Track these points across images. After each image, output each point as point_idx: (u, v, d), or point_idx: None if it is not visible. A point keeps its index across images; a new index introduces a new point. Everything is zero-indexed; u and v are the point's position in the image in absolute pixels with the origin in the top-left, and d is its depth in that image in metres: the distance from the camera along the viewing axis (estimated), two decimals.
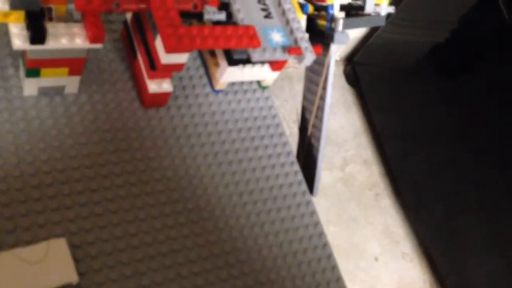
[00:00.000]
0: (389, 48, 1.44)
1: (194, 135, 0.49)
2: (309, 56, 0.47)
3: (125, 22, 0.50)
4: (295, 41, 0.48)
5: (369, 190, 1.44)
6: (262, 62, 0.52)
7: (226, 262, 0.45)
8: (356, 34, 1.53)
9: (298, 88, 1.50)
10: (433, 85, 1.34)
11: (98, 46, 0.42)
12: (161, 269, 0.42)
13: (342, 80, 1.57)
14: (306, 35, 0.48)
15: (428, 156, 1.37)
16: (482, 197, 1.22)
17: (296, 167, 0.52)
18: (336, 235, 1.39)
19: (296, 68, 1.51)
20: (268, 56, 0.47)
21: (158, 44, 0.44)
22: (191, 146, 0.48)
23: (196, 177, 0.47)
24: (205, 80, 0.53)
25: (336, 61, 1.60)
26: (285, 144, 0.53)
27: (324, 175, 1.41)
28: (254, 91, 0.54)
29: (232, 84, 0.54)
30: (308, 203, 0.51)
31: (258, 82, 0.55)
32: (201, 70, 0.53)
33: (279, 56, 0.48)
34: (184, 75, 0.52)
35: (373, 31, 1.51)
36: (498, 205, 1.18)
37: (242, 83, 0.54)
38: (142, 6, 0.44)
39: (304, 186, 0.51)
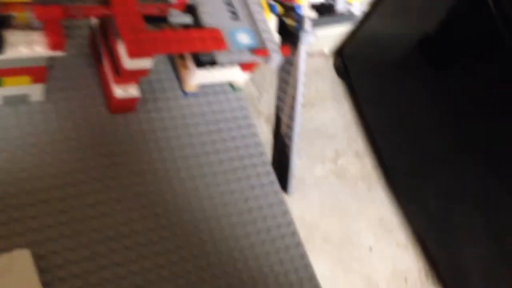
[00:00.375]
0: (378, 40, 1.43)
1: (164, 139, 0.48)
2: (276, 57, 0.46)
3: (91, 27, 0.49)
4: (262, 42, 0.47)
5: (362, 181, 1.43)
6: (233, 64, 0.51)
7: (196, 265, 0.44)
8: (344, 27, 1.51)
9: None
10: (423, 76, 1.32)
11: (59, 53, 0.41)
12: (128, 275, 0.42)
13: (332, 73, 1.56)
14: (274, 36, 0.47)
15: (420, 146, 1.35)
16: (474, 185, 1.21)
17: (268, 167, 0.51)
18: (330, 227, 1.38)
19: None
20: (234, 58, 0.46)
21: (121, 49, 0.43)
22: (160, 150, 0.48)
23: (165, 181, 0.46)
24: (175, 83, 0.52)
25: (326, 54, 1.58)
26: (257, 144, 0.52)
27: (316, 168, 1.40)
28: (226, 92, 0.53)
29: (204, 86, 0.53)
30: (281, 203, 0.50)
31: (230, 84, 0.54)
32: (171, 73, 0.52)
33: (245, 58, 0.47)
34: (154, 78, 0.51)
35: (361, 24, 1.49)
36: (491, 193, 1.17)
37: (213, 85, 0.53)
38: (105, 11, 0.43)
39: (276, 186, 0.50)
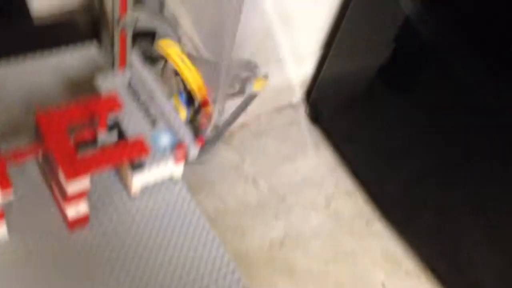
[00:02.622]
0: (339, 80, 1.51)
1: (119, 243, 0.56)
2: (193, 148, 0.55)
3: (39, 162, 0.59)
4: (180, 138, 0.56)
5: (359, 219, 1.48)
6: (166, 161, 0.60)
7: None
8: (306, 76, 1.61)
9: (266, 142, 1.57)
10: (390, 103, 1.39)
11: (10, 194, 0.50)
12: None
13: (306, 121, 1.65)
14: (189, 131, 0.56)
15: (405, 171, 1.40)
16: (469, 199, 1.24)
17: (222, 249, 0.58)
18: (338, 272, 1.42)
19: (258, 122, 1.59)
20: (159, 158, 0.55)
21: (61, 176, 0.52)
22: (117, 252, 0.56)
23: (127, 284, 0.54)
24: (122, 190, 0.61)
25: (295, 104, 1.68)
26: (208, 232, 0.59)
27: (311, 217, 1.46)
28: (168, 186, 0.62)
29: (147, 186, 0.62)
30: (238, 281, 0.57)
31: (170, 177, 0.63)
32: (117, 183, 0.61)
33: (168, 155, 0.56)
34: (103, 191, 0.60)
35: (319, 68, 1.59)
36: (487, 204, 1.19)
37: (155, 182, 0.62)
38: (42, 149, 0.53)
39: (237, 274, 0.57)
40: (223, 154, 1.47)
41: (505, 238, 1.19)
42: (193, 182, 1.34)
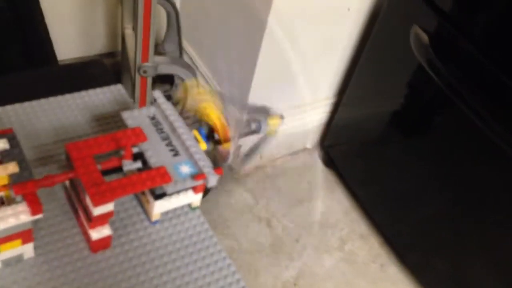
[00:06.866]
0: (352, 125, 1.56)
1: (139, 265, 0.60)
2: (212, 178, 0.60)
3: (66, 188, 0.64)
4: (200, 168, 0.61)
5: (373, 262, 1.50)
6: (186, 190, 0.64)
7: None
8: (318, 122, 1.66)
9: (280, 184, 1.62)
10: (403, 148, 1.43)
11: (40, 216, 0.54)
12: None
13: (320, 165, 1.69)
14: (208, 162, 0.61)
15: (419, 215, 1.43)
16: (485, 244, 1.25)
17: (237, 275, 0.62)
18: None
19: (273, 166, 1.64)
20: (179, 186, 0.60)
21: (88, 200, 0.57)
22: (137, 275, 0.60)
23: None
24: (142, 216, 0.65)
25: (309, 149, 1.73)
26: (220, 251, 0.63)
27: (325, 259, 1.48)
28: (186, 213, 0.66)
29: (167, 212, 0.66)
30: None
31: (189, 205, 0.68)
32: (138, 208, 0.66)
33: (189, 184, 0.60)
34: (124, 216, 0.64)
35: (333, 114, 1.65)
36: (503, 250, 1.21)
37: (174, 209, 0.66)
38: (71, 175, 0.58)
39: None
40: (238, 195, 1.52)
41: None
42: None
